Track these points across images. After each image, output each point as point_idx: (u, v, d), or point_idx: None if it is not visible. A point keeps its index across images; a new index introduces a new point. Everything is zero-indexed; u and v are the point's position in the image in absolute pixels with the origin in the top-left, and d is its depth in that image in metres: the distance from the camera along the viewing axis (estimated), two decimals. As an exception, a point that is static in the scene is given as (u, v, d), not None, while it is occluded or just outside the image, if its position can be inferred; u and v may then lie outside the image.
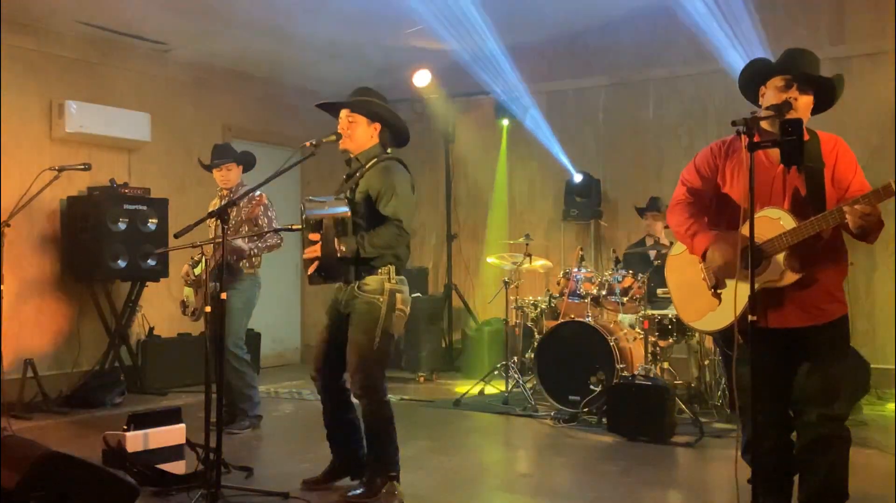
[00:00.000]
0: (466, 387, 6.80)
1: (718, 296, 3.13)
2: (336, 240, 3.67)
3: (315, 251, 3.68)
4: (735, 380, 3.11)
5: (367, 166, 3.92)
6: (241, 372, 5.48)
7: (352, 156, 4.01)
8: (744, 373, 2.99)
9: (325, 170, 8.88)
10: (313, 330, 9.19)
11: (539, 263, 6.86)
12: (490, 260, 7.11)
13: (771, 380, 3.12)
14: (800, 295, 3.05)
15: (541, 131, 8.31)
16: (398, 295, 3.86)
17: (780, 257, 2.99)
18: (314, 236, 3.68)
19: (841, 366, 3.12)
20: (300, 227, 4.16)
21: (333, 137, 3.96)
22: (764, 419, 3.13)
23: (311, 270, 3.73)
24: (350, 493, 3.87)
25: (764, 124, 3.08)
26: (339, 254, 3.68)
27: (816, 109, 3.19)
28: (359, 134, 3.96)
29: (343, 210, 3.72)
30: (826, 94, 3.17)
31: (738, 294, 2.98)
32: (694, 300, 3.25)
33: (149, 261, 6.91)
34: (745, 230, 3.00)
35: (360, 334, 3.82)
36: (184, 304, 5.47)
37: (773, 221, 3.00)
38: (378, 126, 3.99)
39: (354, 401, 4.04)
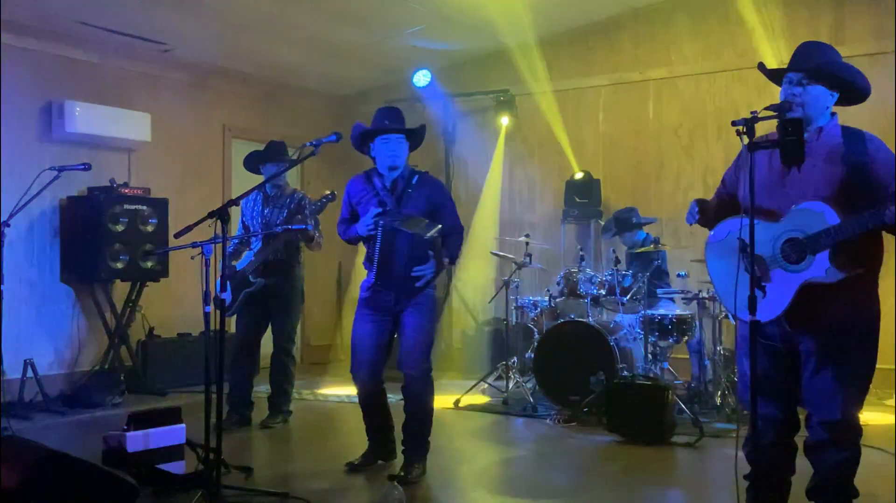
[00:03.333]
0: (466, 387, 6.80)
1: (763, 289, 2.98)
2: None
3: (431, 267, 4.15)
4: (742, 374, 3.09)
5: (413, 181, 4.32)
6: (288, 369, 5.67)
7: (390, 175, 4.32)
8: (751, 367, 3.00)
9: (325, 170, 8.89)
10: (313, 330, 9.20)
11: (538, 266, 6.87)
12: (490, 256, 7.08)
13: (777, 378, 3.11)
14: (813, 293, 2.98)
15: (541, 131, 8.31)
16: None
17: (825, 254, 2.94)
18: (431, 253, 4.14)
19: (849, 372, 3.04)
20: (303, 226, 4.53)
21: (333, 138, 4.02)
22: (766, 414, 3.13)
23: (421, 283, 4.16)
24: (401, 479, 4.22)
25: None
26: (444, 267, 4.23)
27: (846, 101, 3.15)
28: (405, 155, 4.34)
29: (438, 227, 4.15)
30: (839, 82, 3.10)
31: (778, 289, 3.01)
32: (738, 292, 3.13)
33: (149, 261, 6.92)
34: (783, 223, 3.02)
35: (426, 321, 4.28)
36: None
37: (817, 215, 2.95)
38: (409, 144, 4.39)
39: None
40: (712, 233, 3.33)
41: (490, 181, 8.66)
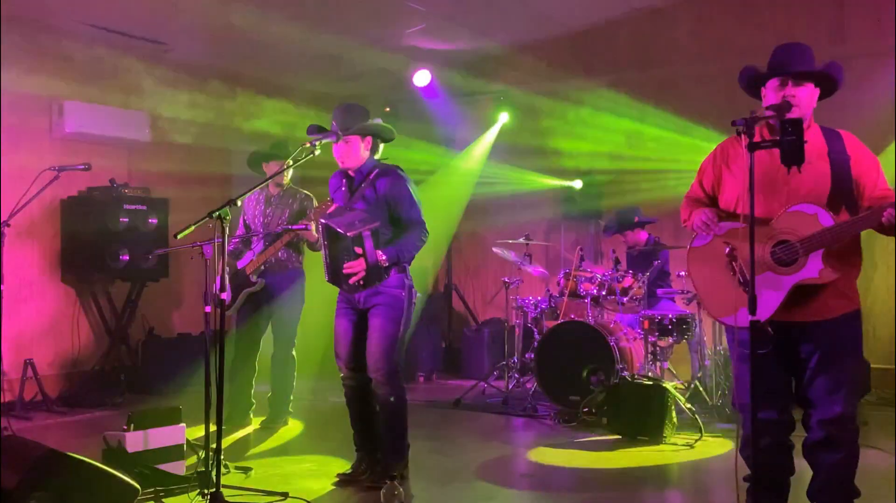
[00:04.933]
0: (466, 388, 6.80)
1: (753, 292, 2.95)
2: (375, 250, 3.96)
3: (360, 264, 3.94)
4: (737, 376, 3.11)
5: (371, 177, 4.18)
6: (289, 369, 5.69)
7: (351, 172, 4.25)
8: (744, 371, 3.00)
9: (325, 170, 8.89)
10: (314, 330, 9.18)
11: (537, 268, 6.87)
12: (496, 250, 7.03)
13: (771, 379, 3.11)
14: (807, 289, 3.01)
15: (541, 131, 8.31)
16: (413, 289, 4.22)
17: (819, 255, 2.96)
18: (357, 250, 3.94)
19: (846, 366, 3.08)
20: (304, 227, 4.45)
21: (333, 137, 4.01)
22: (763, 417, 3.13)
23: (353, 280, 3.98)
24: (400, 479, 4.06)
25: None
26: (381, 264, 4.00)
27: (823, 95, 3.19)
28: (355, 153, 4.19)
29: (375, 223, 4.00)
30: (826, 80, 3.16)
31: (767, 292, 2.99)
32: (723, 295, 3.12)
33: (148, 261, 6.91)
34: (773, 226, 3.01)
35: (387, 323, 4.11)
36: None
37: (809, 217, 2.97)
38: (370, 139, 4.23)
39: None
40: (695, 238, 3.31)
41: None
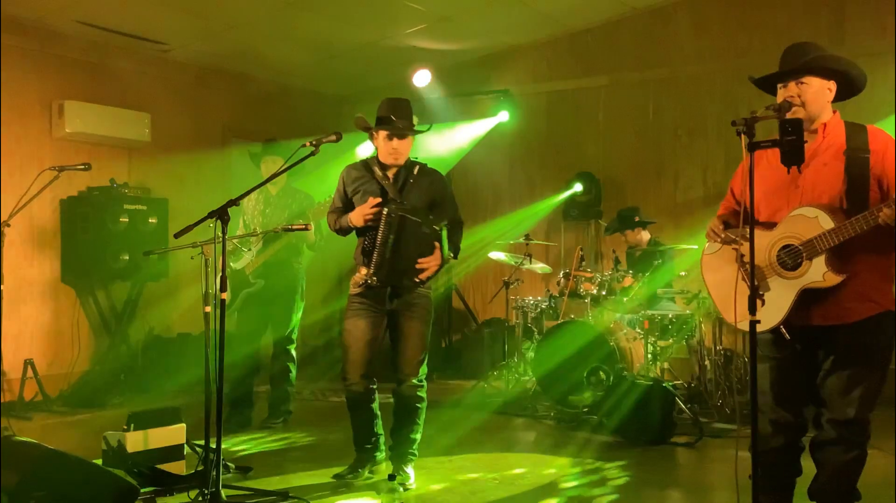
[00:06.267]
0: (466, 388, 6.80)
1: (761, 297, 2.90)
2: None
3: (437, 259, 4.01)
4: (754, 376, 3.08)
5: (415, 172, 4.20)
6: (288, 369, 5.70)
7: (392, 166, 4.20)
8: (762, 370, 2.99)
9: (325, 170, 8.89)
10: (313, 329, 9.19)
11: (538, 266, 6.87)
12: (493, 254, 7.05)
13: (790, 382, 3.10)
14: (823, 292, 2.96)
15: (541, 131, 8.30)
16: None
17: (822, 258, 2.92)
18: (436, 244, 4.02)
19: (863, 370, 3.00)
20: (303, 227, 4.45)
21: (334, 137, 4.00)
22: (776, 419, 3.12)
23: (424, 276, 4.02)
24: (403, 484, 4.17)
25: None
26: (447, 261, 4.11)
27: (846, 93, 3.13)
28: (408, 149, 4.19)
29: (445, 220, 4.13)
30: (833, 72, 3.08)
31: (777, 296, 2.98)
32: (738, 301, 3.07)
33: (149, 261, 6.90)
34: (778, 231, 2.99)
35: (424, 326, 4.16)
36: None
37: (811, 220, 2.94)
38: (412, 138, 4.25)
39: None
40: (707, 244, 3.32)
41: (490, 181, 8.57)
